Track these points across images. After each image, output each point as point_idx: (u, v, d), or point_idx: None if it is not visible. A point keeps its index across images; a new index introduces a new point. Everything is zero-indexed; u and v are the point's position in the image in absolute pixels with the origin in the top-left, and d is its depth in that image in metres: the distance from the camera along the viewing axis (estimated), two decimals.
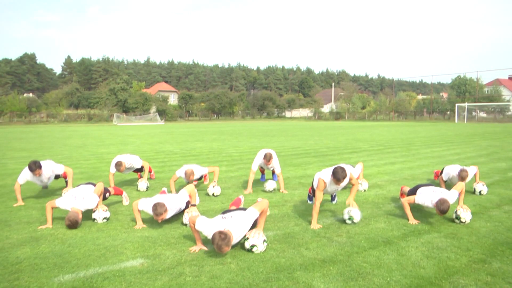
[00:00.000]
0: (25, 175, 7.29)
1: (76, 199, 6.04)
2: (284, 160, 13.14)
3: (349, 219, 5.86)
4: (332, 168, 5.99)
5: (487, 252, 4.70)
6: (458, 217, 5.87)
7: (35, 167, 7.16)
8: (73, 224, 5.68)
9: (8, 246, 5.01)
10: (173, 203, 5.85)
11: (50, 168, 7.58)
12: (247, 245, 4.73)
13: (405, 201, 6.15)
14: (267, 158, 8.08)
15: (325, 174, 5.97)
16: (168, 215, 5.74)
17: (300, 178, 9.86)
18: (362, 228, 5.68)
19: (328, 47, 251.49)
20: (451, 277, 4.02)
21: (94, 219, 6.05)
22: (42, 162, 7.39)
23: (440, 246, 4.92)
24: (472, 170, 7.97)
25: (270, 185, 8.20)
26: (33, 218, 6.30)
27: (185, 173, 7.80)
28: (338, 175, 5.75)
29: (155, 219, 5.63)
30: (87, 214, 6.30)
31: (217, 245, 4.43)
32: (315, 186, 6.65)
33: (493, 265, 4.33)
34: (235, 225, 4.72)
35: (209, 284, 3.88)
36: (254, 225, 5.03)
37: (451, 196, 5.93)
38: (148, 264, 4.39)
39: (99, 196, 6.28)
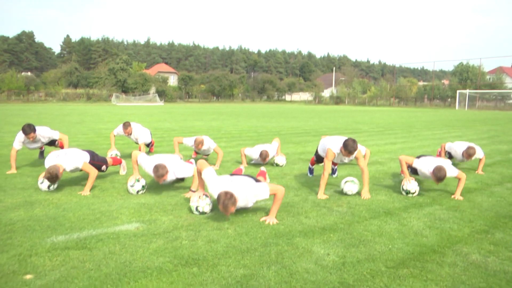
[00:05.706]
0: (20, 138, 7.17)
1: (59, 157, 5.81)
2: (284, 138, 13.02)
3: (349, 183, 5.82)
4: (342, 138, 5.78)
5: (490, 224, 4.61)
6: (407, 191, 5.83)
7: (29, 130, 7.03)
8: (52, 177, 5.42)
9: (1, 209, 4.90)
10: (174, 165, 5.64)
11: (44, 132, 7.45)
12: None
13: (403, 159, 6.05)
14: (263, 156, 7.61)
15: (335, 145, 5.74)
16: (169, 177, 5.57)
17: (300, 154, 9.74)
18: (362, 199, 5.59)
19: (330, 32, 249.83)
20: (454, 245, 3.93)
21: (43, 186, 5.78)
22: (37, 127, 7.27)
23: (442, 217, 4.83)
24: (479, 152, 7.64)
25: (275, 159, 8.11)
26: (28, 184, 6.19)
27: (195, 140, 7.70)
28: (349, 147, 5.49)
29: (156, 180, 5.54)
30: (83, 180, 6.17)
31: (223, 204, 4.24)
32: (320, 152, 6.44)
33: (496, 235, 4.24)
34: (242, 191, 4.49)
35: (205, 248, 3.78)
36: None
37: (450, 169, 5.79)
38: (144, 228, 4.29)
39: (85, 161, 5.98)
